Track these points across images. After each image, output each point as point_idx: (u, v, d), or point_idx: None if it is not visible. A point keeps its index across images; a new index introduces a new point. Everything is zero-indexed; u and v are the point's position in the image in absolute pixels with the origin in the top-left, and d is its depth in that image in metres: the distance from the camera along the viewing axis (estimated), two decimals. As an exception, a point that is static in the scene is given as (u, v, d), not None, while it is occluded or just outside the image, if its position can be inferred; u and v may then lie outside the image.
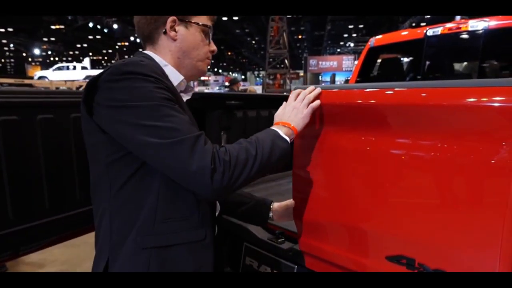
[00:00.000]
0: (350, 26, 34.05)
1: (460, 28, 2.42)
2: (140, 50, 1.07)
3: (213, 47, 1.09)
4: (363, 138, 0.97)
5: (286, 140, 0.95)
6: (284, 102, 1.05)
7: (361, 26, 33.61)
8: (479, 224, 0.76)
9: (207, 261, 0.96)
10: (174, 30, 1.00)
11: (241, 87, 7.81)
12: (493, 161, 0.73)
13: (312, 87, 1.07)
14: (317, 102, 1.03)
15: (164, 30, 0.99)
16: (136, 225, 0.87)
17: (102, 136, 0.86)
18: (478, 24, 2.35)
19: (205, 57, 1.07)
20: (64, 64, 22.80)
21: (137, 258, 0.86)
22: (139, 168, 0.86)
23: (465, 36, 2.40)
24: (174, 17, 0.98)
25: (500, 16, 2.42)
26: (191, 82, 1.30)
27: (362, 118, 0.98)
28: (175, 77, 1.01)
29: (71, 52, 40.86)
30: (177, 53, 1.01)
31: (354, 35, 37.29)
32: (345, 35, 38.01)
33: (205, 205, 0.96)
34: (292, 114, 1.00)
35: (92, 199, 0.96)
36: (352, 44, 38.31)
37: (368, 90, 0.99)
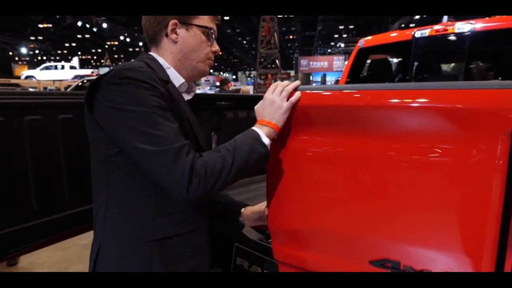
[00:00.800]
0: (341, 27, 34.30)
1: (447, 30, 2.47)
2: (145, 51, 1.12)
3: (216, 47, 1.11)
4: (336, 140, 0.94)
5: (265, 145, 0.95)
6: (266, 94, 1.02)
7: (351, 26, 33.89)
8: (457, 224, 0.78)
9: (203, 248, 1.04)
10: (175, 33, 1.03)
11: (232, 87, 7.81)
12: (470, 164, 0.75)
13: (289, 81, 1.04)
14: (297, 94, 1.00)
15: (166, 33, 1.03)
16: (133, 219, 0.94)
17: (101, 133, 0.91)
18: (464, 26, 2.39)
19: (206, 58, 1.09)
20: (52, 63, 22.50)
21: (139, 250, 0.93)
22: (135, 165, 0.89)
23: (451, 38, 2.44)
24: (176, 20, 1.02)
25: (486, 18, 2.47)
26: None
27: (335, 120, 0.95)
28: (177, 80, 1.05)
29: (59, 51, 40.32)
30: (178, 55, 1.05)
31: (345, 35, 37.58)
32: (336, 36, 38.28)
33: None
34: (272, 110, 0.98)
35: (93, 192, 1.01)
36: (342, 45, 38.57)
37: (335, 91, 0.98)
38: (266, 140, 0.95)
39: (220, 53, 1.14)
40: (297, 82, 1.03)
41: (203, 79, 43.07)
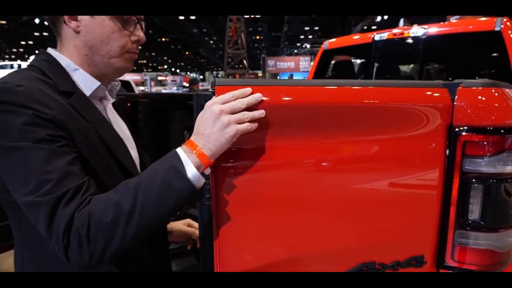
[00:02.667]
0: (306, 28, 35.01)
1: (403, 33, 2.66)
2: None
3: (139, 35, 0.87)
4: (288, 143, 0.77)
5: (186, 178, 0.66)
6: (208, 103, 0.71)
7: (316, 28, 34.68)
8: (408, 207, 0.89)
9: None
10: (76, 19, 0.80)
11: (200, 87, 7.81)
12: (415, 154, 0.87)
13: (247, 89, 0.72)
14: (260, 112, 0.71)
15: (64, 19, 0.80)
16: (43, 264, 0.78)
17: None
18: (419, 31, 2.59)
19: (123, 51, 0.85)
20: (7, 62, 21.29)
21: None
22: None
23: (407, 41, 2.64)
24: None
25: (438, 23, 2.69)
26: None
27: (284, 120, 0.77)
28: (89, 84, 0.83)
29: (14, 50, 38.16)
30: (83, 49, 0.82)
31: (310, 36, 38.39)
32: (302, 37, 39.01)
33: None
34: (213, 129, 0.68)
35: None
36: (308, 46, 39.37)
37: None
38: (191, 171, 0.67)
39: (144, 41, 0.89)
40: (258, 96, 0.71)
41: (169, 79, 42.32)
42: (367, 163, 0.84)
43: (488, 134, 0.83)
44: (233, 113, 0.69)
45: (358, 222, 0.86)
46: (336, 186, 0.82)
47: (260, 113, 0.71)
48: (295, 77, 28.51)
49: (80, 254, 0.63)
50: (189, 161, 0.68)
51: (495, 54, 2.40)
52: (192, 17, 28.24)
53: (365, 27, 28.88)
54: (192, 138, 0.71)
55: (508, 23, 2.32)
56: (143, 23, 0.90)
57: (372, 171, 0.85)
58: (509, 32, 2.27)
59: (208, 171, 0.73)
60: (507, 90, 0.95)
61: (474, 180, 0.84)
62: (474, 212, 0.85)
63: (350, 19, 30.17)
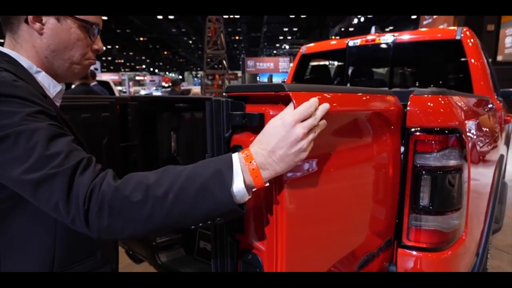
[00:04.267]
0: (285, 29, 35.37)
1: (374, 40, 2.86)
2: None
3: (99, 45, 0.90)
4: None
5: (228, 192, 0.61)
6: (281, 115, 0.64)
7: (295, 29, 35.11)
8: (376, 196, 1.05)
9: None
10: (40, 21, 0.79)
11: (181, 88, 7.86)
12: (377, 152, 1.03)
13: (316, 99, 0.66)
14: (324, 125, 0.67)
15: (26, 18, 0.78)
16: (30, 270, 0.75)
17: None
18: (388, 38, 2.80)
19: (84, 59, 0.87)
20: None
21: None
22: (30, 204, 0.67)
23: (378, 47, 2.84)
24: None
25: (406, 31, 2.91)
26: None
27: None
28: (52, 87, 0.84)
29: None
30: (44, 51, 0.81)
31: (289, 37, 38.80)
32: (281, 37, 39.38)
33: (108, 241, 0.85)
34: (289, 152, 0.62)
35: None
36: (287, 46, 39.81)
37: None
38: (238, 185, 0.61)
39: (104, 50, 0.92)
40: (327, 106, 0.67)
41: (148, 79, 41.75)
42: (351, 163, 0.92)
43: (435, 134, 1.01)
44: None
45: (355, 218, 0.99)
46: (345, 184, 0.90)
47: (324, 125, 0.67)
48: (274, 78, 28.78)
49: (99, 220, 0.60)
50: (241, 174, 0.61)
51: (456, 61, 2.63)
52: (171, 17, 28.02)
53: (343, 29, 29.52)
54: (254, 149, 0.64)
55: (467, 32, 2.55)
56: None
57: (356, 171, 0.95)
58: (468, 40, 2.50)
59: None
60: (452, 97, 1.14)
61: (424, 172, 1.01)
62: (424, 199, 1.02)
63: (328, 20, 30.74)
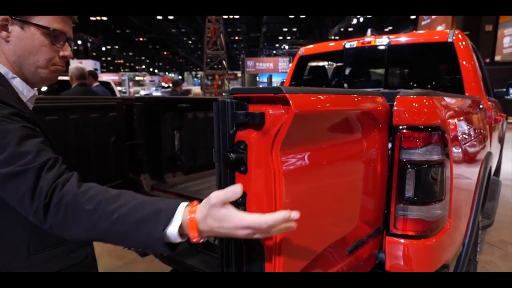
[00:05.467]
0: (285, 29, 35.49)
1: (370, 42, 2.96)
2: None
3: (66, 52, 0.96)
4: None
5: (159, 233, 0.68)
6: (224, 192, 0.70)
7: (294, 29, 35.21)
8: (365, 187, 1.15)
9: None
10: (7, 30, 0.87)
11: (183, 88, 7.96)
12: (366, 147, 1.12)
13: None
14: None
15: None
16: (4, 260, 0.82)
17: None
18: (383, 40, 2.90)
19: (49, 64, 0.93)
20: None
21: None
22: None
23: (374, 49, 2.94)
24: (7, 16, 0.86)
25: (400, 34, 3.00)
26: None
27: None
28: (26, 91, 0.92)
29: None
30: (12, 56, 0.89)
31: (289, 37, 38.90)
32: (280, 38, 39.48)
33: None
34: (221, 226, 0.69)
35: None
36: (287, 46, 39.91)
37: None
38: (173, 230, 0.69)
39: (73, 58, 0.98)
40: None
41: (147, 79, 41.82)
42: (342, 158, 1.03)
43: (419, 132, 1.11)
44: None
45: (349, 207, 1.09)
46: (336, 177, 0.99)
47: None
48: (274, 78, 28.88)
49: (54, 216, 0.69)
50: (180, 220, 0.69)
51: (449, 62, 2.73)
52: (171, 17, 28.12)
53: (342, 29, 29.62)
54: (200, 209, 0.70)
55: (459, 35, 2.65)
56: (72, 42, 0.99)
57: (347, 165, 1.07)
58: (460, 43, 2.60)
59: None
60: (436, 98, 1.23)
61: (408, 166, 1.11)
62: (409, 191, 1.12)
63: (328, 20, 30.87)
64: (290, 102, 0.74)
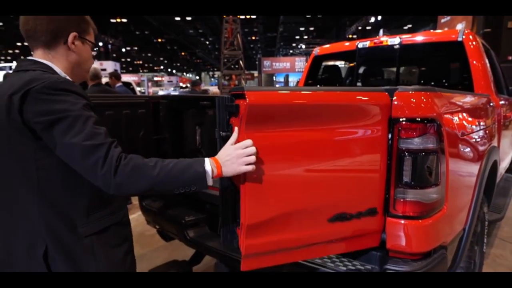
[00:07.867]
0: (301, 29, 35.40)
1: (382, 42, 3.07)
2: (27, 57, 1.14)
3: (93, 60, 1.28)
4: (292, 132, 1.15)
5: (203, 168, 1.02)
6: (229, 143, 1.09)
7: (311, 28, 35.09)
8: (367, 182, 1.30)
9: (129, 235, 1.23)
10: (74, 44, 1.14)
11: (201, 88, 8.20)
12: (368, 138, 1.26)
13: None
14: (252, 160, 1.06)
15: (65, 41, 1.12)
16: (70, 220, 1.05)
17: (31, 141, 0.99)
18: (395, 40, 3.01)
19: (90, 69, 1.29)
20: (5, 64, 21.43)
21: (82, 245, 1.06)
22: (65, 168, 1.00)
23: (386, 48, 3.05)
24: (76, 33, 1.13)
25: (411, 33, 3.10)
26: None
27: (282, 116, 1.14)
28: None
29: (10, 51, 38.24)
30: (73, 63, 1.15)
31: (305, 37, 38.78)
32: (297, 37, 39.41)
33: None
34: (229, 160, 1.06)
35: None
36: (303, 46, 39.83)
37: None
38: (207, 168, 1.03)
39: (95, 59, 1.27)
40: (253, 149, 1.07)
41: (166, 80, 42.58)
42: (341, 143, 1.23)
43: (416, 123, 1.25)
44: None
45: (335, 185, 1.26)
46: (324, 159, 1.21)
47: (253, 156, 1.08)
48: (290, 78, 28.93)
49: (123, 173, 0.95)
50: (209, 164, 1.05)
51: (459, 61, 2.81)
52: (188, 18, 28.56)
53: (360, 28, 29.35)
54: (218, 155, 1.08)
55: (470, 35, 2.74)
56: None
57: (345, 149, 1.24)
58: (470, 43, 2.68)
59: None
60: (433, 93, 1.37)
61: (406, 153, 1.25)
62: (407, 176, 1.26)
63: (345, 20, 30.65)
64: (246, 97, 1.04)
